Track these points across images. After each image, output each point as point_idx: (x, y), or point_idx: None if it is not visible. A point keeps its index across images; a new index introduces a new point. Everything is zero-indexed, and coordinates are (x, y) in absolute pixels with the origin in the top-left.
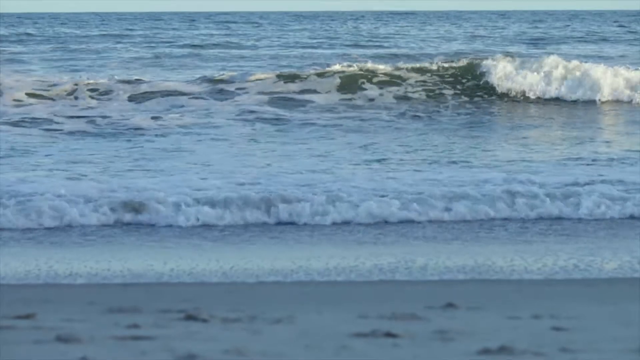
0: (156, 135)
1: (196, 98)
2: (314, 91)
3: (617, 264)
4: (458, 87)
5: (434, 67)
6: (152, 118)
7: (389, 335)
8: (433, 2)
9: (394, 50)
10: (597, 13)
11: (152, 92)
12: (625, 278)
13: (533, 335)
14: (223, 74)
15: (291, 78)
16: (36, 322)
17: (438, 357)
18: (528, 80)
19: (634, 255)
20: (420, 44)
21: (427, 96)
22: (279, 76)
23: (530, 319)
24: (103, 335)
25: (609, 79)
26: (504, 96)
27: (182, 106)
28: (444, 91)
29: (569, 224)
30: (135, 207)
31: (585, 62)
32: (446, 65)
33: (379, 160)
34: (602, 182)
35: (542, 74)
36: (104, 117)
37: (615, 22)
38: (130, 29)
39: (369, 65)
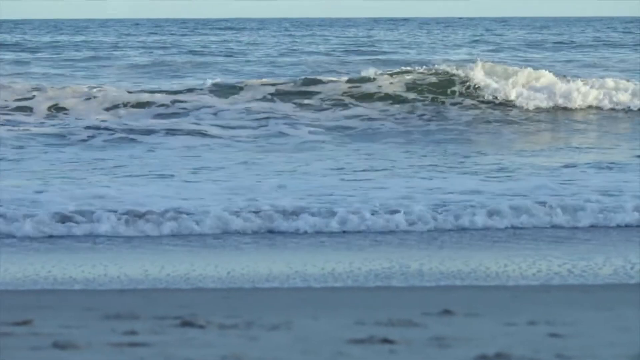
0: (161, 142)
1: (201, 101)
2: (320, 82)
3: (613, 269)
4: (459, 91)
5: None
6: (159, 124)
7: (386, 341)
8: (428, 9)
9: (397, 57)
10: (597, 19)
11: (159, 97)
12: (621, 284)
13: (529, 342)
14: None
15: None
16: (33, 328)
17: None
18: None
19: (630, 261)
20: (426, 49)
21: (433, 99)
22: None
23: (527, 325)
24: (100, 342)
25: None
26: (503, 104)
27: (186, 109)
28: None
29: (564, 231)
30: (137, 216)
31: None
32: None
33: (381, 169)
34: (597, 189)
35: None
36: (108, 122)
37: (609, 27)
38: (131, 35)
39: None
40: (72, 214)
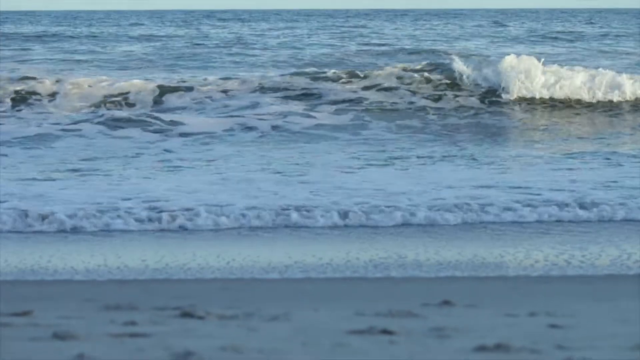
0: (173, 129)
1: (210, 87)
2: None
3: (613, 261)
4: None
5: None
6: (170, 111)
7: (385, 332)
8: (424, 1)
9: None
10: (600, 10)
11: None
12: (621, 275)
13: (529, 333)
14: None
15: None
16: (33, 319)
17: (434, 354)
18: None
19: (629, 252)
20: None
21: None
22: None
23: (527, 316)
24: (100, 332)
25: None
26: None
27: (201, 103)
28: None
29: (564, 225)
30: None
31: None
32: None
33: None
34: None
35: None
36: (129, 114)
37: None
38: (134, 25)
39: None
40: (81, 212)
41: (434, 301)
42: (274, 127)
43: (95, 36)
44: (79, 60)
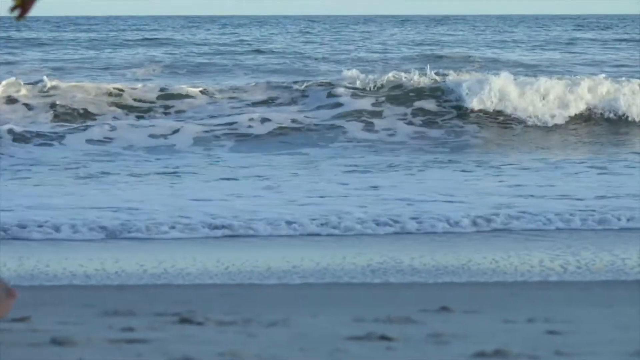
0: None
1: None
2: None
3: (610, 267)
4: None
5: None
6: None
7: (384, 338)
8: (422, 7)
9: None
10: (598, 17)
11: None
12: (620, 281)
13: (528, 339)
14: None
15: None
16: (31, 324)
17: None
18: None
19: (624, 258)
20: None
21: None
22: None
23: (525, 322)
24: (98, 338)
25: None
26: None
27: (209, 103)
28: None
29: (562, 231)
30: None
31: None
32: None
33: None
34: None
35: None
36: (133, 113)
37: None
38: (140, 30)
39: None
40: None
41: (432, 307)
42: (289, 122)
43: (95, 40)
44: (82, 63)
